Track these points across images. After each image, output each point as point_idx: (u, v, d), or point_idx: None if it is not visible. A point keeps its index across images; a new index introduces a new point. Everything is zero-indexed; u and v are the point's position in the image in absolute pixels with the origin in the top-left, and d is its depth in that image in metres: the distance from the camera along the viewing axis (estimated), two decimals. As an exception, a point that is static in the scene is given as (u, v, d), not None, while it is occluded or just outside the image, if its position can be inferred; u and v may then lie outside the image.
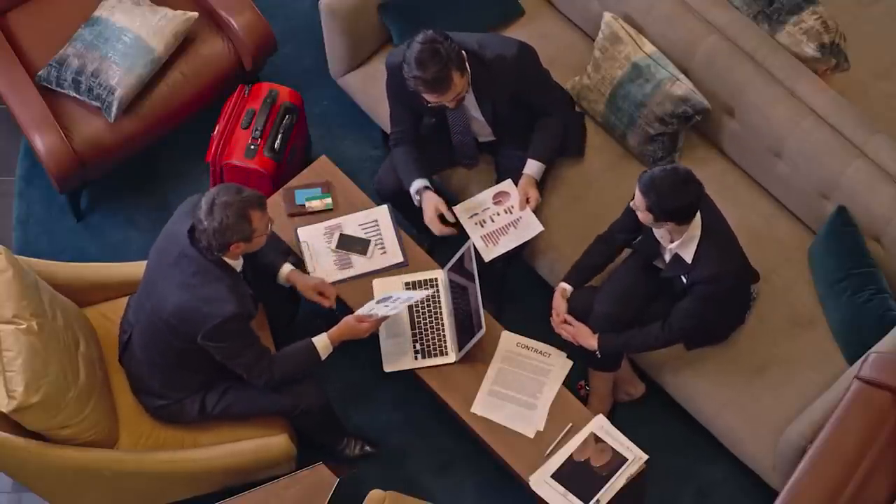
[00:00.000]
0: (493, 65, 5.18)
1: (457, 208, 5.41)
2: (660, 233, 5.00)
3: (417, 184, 5.34)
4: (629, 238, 5.15)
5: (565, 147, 5.52)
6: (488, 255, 5.30)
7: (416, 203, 5.36)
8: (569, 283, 5.21)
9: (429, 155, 5.44)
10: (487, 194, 5.43)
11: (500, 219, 5.37)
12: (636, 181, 4.83)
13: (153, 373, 5.04)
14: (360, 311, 5.11)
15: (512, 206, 5.37)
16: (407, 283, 5.28)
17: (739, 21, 5.39)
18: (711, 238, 4.90)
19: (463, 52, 5.10)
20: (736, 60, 5.33)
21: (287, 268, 5.19)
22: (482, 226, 5.37)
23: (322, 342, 5.01)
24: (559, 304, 5.20)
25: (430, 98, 5.10)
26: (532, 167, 5.37)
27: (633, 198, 4.85)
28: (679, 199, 4.77)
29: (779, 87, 5.27)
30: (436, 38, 5.02)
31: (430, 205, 5.31)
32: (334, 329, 5.03)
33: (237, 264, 4.86)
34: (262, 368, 4.92)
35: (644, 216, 4.85)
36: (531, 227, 5.32)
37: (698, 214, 4.89)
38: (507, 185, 5.41)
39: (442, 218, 5.32)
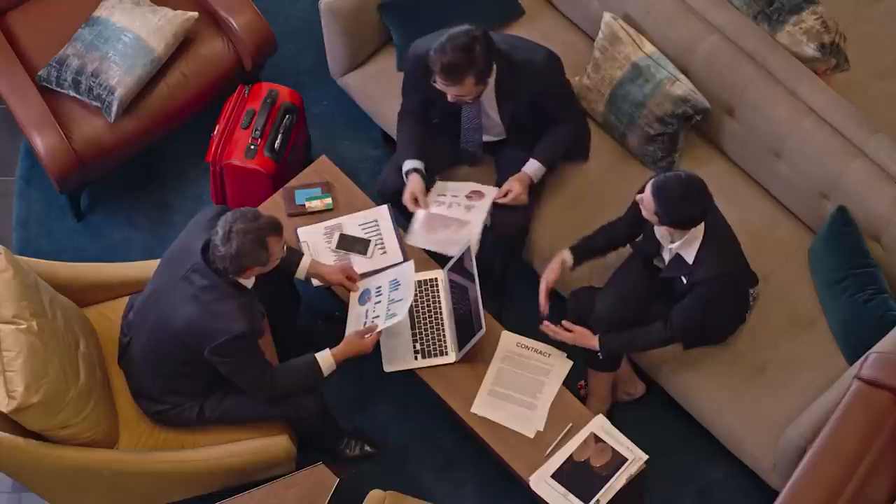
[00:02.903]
0: (521, 68, 5.17)
1: (437, 185, 5.41)
2: (660, 232, 5.00)
3: (410, 164, 5.34)
4: (632, 233, 5.15)
5: (570, 153, 5.51)
6: (412, 238, 5.30)
7: (405, 180, 5.35)
8: (573, 254, 5.17)
9: (434, 150, 5.43)
10: (468, 186, 5.40)
11: (454, 211, 5.35)
12: (647, 182, 4.82)
13: (153, 379, 5.03)
14: (352, 316, 5.14)
15: (474, 207, 5.35)
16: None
17: (739, 21, 5.39)
18: (714, 240, 4.90)
19: (494, 64, 5.09)
20: (736, 60, 5.33)
21: (307, 259, 5.19)
22: (438, 205, 5.35)
23: (326, 360, 5.01)
24: (553, 271, 5.15)
25: (439, 83, 5.07)
26: (532, 166, 5.36)
27: (642, 192, 4.85)
28: (690, 209, 4.79)
29: (779, 87, 5.27)
30: (476, 37, 5.02)
31: (410, 190, 5.31)
32: (339, 347, 5.03)
33: (249, 283, 4.86)
34: (264, 385, 4.93)
35: (650, 216, 4.86)
36: (462, 241, 5.26)
37: None
38: (490, 189, 5.38)
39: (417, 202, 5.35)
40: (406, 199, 5.32)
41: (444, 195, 5.39)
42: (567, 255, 5.20)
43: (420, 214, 5.33)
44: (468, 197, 5.38)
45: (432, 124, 5.45)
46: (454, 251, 5.27)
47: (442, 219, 5.33)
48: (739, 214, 5.31)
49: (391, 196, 5.47)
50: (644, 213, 4.88)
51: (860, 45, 5.60)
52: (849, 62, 5.49)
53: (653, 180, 4.82)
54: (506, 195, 5.32)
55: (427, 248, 5.32)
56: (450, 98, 5.13)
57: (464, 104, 5.24)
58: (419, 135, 5.39)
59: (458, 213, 5.34)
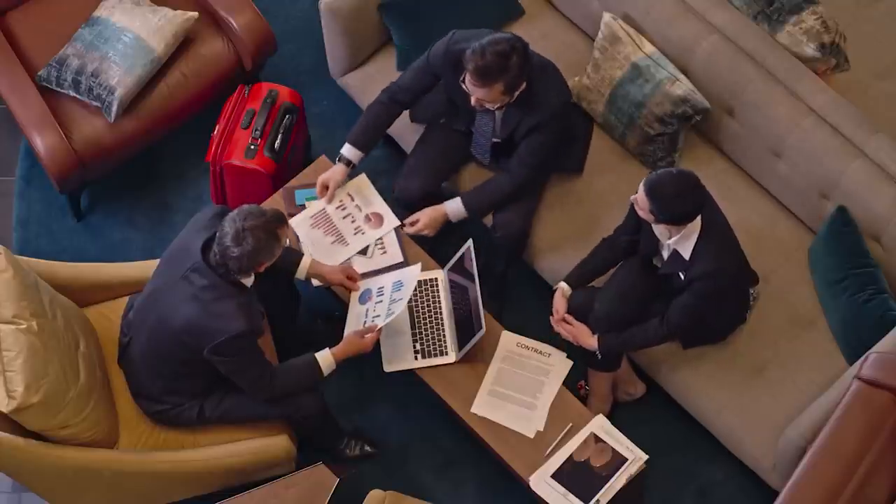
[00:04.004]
0: (540, 93, 5.14)
1: (357, 180, 5.44)
2: (658, 229, 5.00)
3: (349, 151, 5.35)
4: (633, 241, 5.15)
5: (563, 164, 5.50)
6: (295, 220, 5.34)
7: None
8: (568, 284, 5.22)
9: (448, 150, 5.43)
10: (377, 204, 5.39)
11: (344, 224, 5.36)
12: (641, 182, 4.82)
13: (153, 379, 5.03)
14: (351, 315, 5.16)
15: (362, 234, 5.34)
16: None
17: (739, 21, 5.39)
18: (710, 235, 4.91)
19: (524, 82, 5.06)
20: (736, 60, 5.33)
21: (307, 259, 5.19)
22: (337, 207, 5.37)
23: (326, 360, 5.01)
24: (559, 304, 5.20)
25: (468, 82, 5.04)
26: (453, 204, 5.33)
27: (636, 194, 4.85)
28: (684, 205, 4.79)
29: (779, 87, 5.27)
30: (516, 47, 4.99)
31: (327, 176, 5.35)
32: (339, 347, 5.03)
33: (248, 281, 4.86)
34: (264, 384, 4.93)
35: (645, 215, 4.86)
36: (332, 256, 5.29)
37: None
38: (391, 221, 5.36)
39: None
40: (319, 183, 5.34)
41: (352, 199, 5.41)
42: (564, 286, 5.21)
43: (319, 205, 5.36)
44: (367, 218, 5.39)
45: (444, 124, 5.44)
46: (318, 255, 5.29)
47: (329, 224, 5.35)
48: (739, 214, 5.31)
49: (415, 203, 5.43)
50: (639, 212, 4.88)
51: (860, 45, 5.60)
52: (849, 62, 5.49)
53: (645, 179, 4.82)
54: (413, 224, 5.33)
55: (299, 235, 5.33)
56: (473, 101, 5.10)
57: (482, 110, 5.21)
58: (382, 125, 5.38)
59: (345, 229, 5.36)
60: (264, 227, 4.71)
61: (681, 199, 4.78)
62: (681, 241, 4.94)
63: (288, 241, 4.89)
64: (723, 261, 4.94)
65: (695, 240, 4.91)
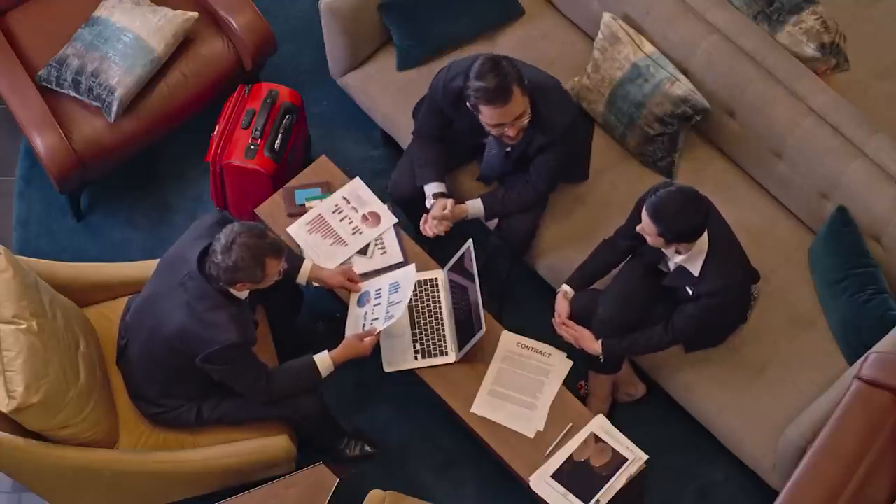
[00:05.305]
0: (544, 113, 5.11)
1: (351, 183, 5.42)
2: (668, 251, 4.97)
3: (435, 187, 5.32)
4: (633, 244, 5.14)
5: (571, 175, 5.49)
6: (292, 227, 5.32)
7: (427, 204, 5.34)
8: (571, 286, 5.21)
9: (443, 151, 5.42)
10: (374, 204, 5.40)
11: (342, 226, 5.36)
12: (640, 209, 4.81)
13: (150, 383, 5.03)
14: (351, 318, 5.16)
15: (361, 233, 5.34)
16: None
17: (739, 21, 5.39)
18: (718, 252, 4.89)
19: (524, 77, 5.02)
20: (736, 60, 5.32)
21: (308, 264, 5.18)
22: (334, 212, 5.37)
23: (324, 362, 5.00)
24: (561, 307, 5.19)
25: (491, 115, 5.00)
26: (475, 205, 5.33)
27: (641, 221, 4.83)
28: (689, 219, 4.77)
29: (779, 87, 5.27)
30: (495, 56, 5.00)
31: (435, 215, 5.29)
32: (338, 349, 5.02)
33: (242, 294, 4.86)
34: (260, 388, 4.93)
35: (655, 240, 4.84)
36: (330, 257, 5.28)
37: None
38: (388, 219, 5.37)
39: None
40: (429, 227, 5.28)
41: (348, 202, 5.40)
42: (566, 289, 5.21)
43: (318, 209, 5.34)
44: (363, 217, 5.39)
45: (454, 147, 5.44)
46: (318, 257, 5.28)
47: (327, 227, 5.34)
48: (739, 214, 5.31)
49: (407, 200, 5.44)
50: (649, 240, 4.86)
51: (860, 45, 5.59)
52: (849, 62, 5.49)
53: (646, 205, 4.79)
54: (444, 207, 5.30)
55: (298, 241, 5.32)
56: (507, 131, 5.04)
57: (503, 136, 5.11)
58: (437, 151, 5.35)
59: (343, 231, 5.35)
60: (254, 249, 4.68)
61: (685, 214, 4.76)
62: (689, 260, 4.93)
63: (281, 269, 4.85)
64: (731, 276, 4.93)
65: (703, 259, 4.89)
